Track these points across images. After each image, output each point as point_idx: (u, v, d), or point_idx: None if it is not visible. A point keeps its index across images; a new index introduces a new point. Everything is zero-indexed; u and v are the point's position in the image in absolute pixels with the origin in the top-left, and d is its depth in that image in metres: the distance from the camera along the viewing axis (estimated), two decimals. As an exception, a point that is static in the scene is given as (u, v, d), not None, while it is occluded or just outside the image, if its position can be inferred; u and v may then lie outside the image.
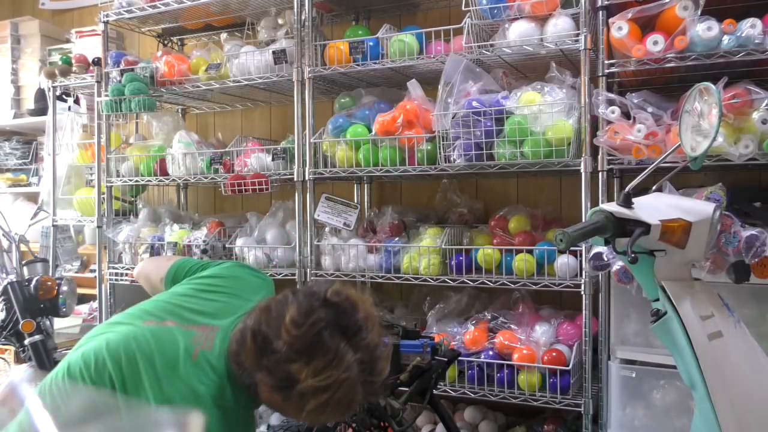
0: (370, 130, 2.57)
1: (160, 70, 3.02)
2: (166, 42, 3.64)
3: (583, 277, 2.24)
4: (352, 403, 1.21)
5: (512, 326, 2.43)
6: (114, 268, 3.18)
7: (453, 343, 2.39)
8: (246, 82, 2.84)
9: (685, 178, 2.19)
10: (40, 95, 3.76)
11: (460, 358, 2.22)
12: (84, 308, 3.73)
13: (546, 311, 2.57)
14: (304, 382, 1.16)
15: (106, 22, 3.17)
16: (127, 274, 3.11)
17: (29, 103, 3.95)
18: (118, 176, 3.20)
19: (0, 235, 2.81)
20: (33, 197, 4.02)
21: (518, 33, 2.31)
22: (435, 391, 1.72)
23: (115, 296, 3.21)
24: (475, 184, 3.05)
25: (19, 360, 2.64)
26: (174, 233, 3.01)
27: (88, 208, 3.38)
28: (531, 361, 2.29)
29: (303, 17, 2.69)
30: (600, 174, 2.21)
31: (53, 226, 3.48)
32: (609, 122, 2.14)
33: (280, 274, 2.75)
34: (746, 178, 2.55)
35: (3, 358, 2.72)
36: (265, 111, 3.58)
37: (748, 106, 1.94)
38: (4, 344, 2.69)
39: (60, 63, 3.42)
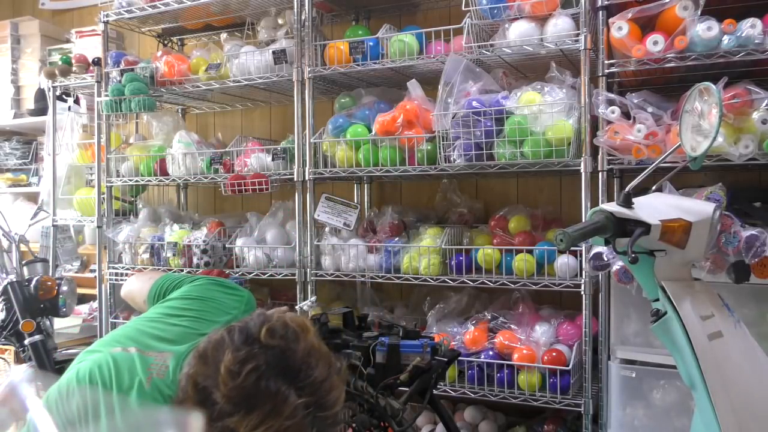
0: (370, 130, 2.57)
1: (160, 70, 3.02)
2: (166, 42, 3.64)
3: (583, 277, 2.24)
4: None
5: (512, 326, 2.43)
6: (114, 268, 3.18)
7: (453, 343, 2.39)
8: (246, 82, 2.84)
9: (685, 178, 2.19)
10: (40, 95, 3.76)
11: (460, 358, 2.22)
12: (84, 308, 3.73)
13: (546, 311, 2.57)
14: None
15: (106, 22, 3.17)
16: (127, 275, 3.11)
17: (29, 103, 3.95)
18: (118, 176, 3.20)
19: (0, 235, 2.81)
20: (33, 197, 4.02)
21: (518, 33, 2.31)
22: (435, 391, 1.72)
23: (115, 296, 3.21)
24: (475, 184, 3.05)
25: (19, 360, 2.64)
26: (174, 233, 3.01)
27: (88, 208, 3.38)
28: (531, 361, 2.29)
29: (303, 17, 2.69)
30: (600, 174, 2.21)
31: (53, 226, 3.48)
32: (609, 122, 2.14)
33: (280, 274, 2.75)
34: (746, 178, 2.55)
35: (3, 358, 2.72)
36: (265, 111, 3.58)
37: (748, 106, 1.94)
38: (4, 344, 2.69)
39: (60, 63, 3.42)
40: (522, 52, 2.35)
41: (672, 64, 2.06)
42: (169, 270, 2.89)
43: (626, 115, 2.13)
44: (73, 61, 3.36)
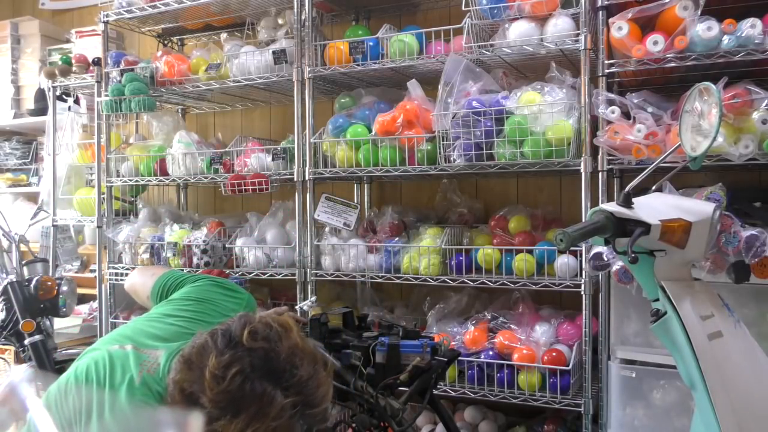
0: (370, 130, 2.57)
1: (160, 70, 3.02)
2: (166, 42, 3.64)
3: (583, 277, 2.24)
4: None
5: (512, 326, 2.43)
6: (114, 268, 3.18)
7: (453, 343, 2.39)
8: (246, 82, 2.84)
9: (685, 178, 2.19)
10: (40, 95, 3.76)
11: (460, 358, 2.22)
12: (84, 308, 3.73)
13: (546, 311, 2.57)
14: None
15: (106, 22, 3.17)
16: (127, 274, 3.10)
17: (29, 103, 3.95)
18: (118, 176, 3.20)
19: (0, 235, 2.81)
20: (33, 197, 4.02)
21: (518, 33, 2.31)
22: (435, 391, 1.72)
23: (115, 296, 3.22)
24: (475, 184, 3.05)
25: (19, 360, 2.64)
26: (174, 233, 3.01)
27: (88, 208, 3.38)
28: (531, 361, 2.29)
29: (303, 17, 2.69)
30: (600, 174, 2.21)
31: (53, 226, 3.48)
32: (609, 122, 2.14)
33: (280, 274, 2.75)
34: (746, 178, 2.55)
35: (3, 358, 2.71)
36: (265, 111, 3.58)
37: (748, 106, 1.94)
38: (4, 344, 2.69)
39: (60, 63, 3.42)
40: (522, 52, 2.35)
41: (672, 64, 2.06)
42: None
43: (626, 115, 2.13)
44: (73, 61, 3.36)
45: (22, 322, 2.54)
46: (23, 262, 2.76)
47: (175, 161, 3.03)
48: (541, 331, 2.37)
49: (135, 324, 1.41)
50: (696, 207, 1.52)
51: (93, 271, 3.58)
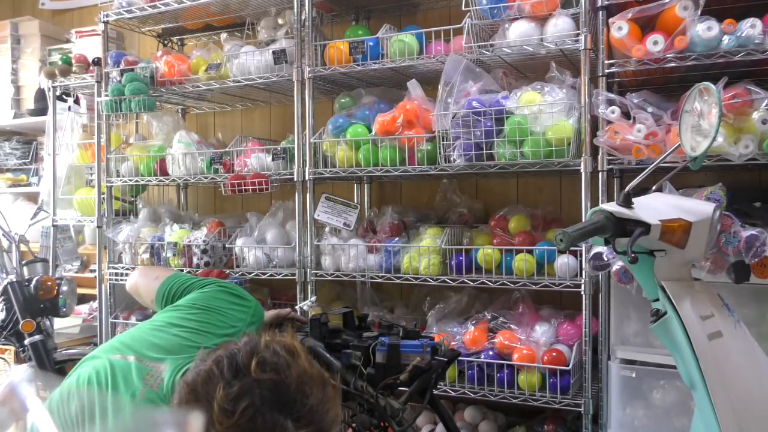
0: (370, 130, 2.57)
1: (160, 70, 3.02)
2: (166, 42, 3.64)
3: (583, 277, 2.24)
4: None
5: (512, 326, 2.43)
6: (114, 268, 3.18)
7: (453, 343, 2.39)
8: (246, 82, 2.84)
9: (685, 178, 2.18)
10: (40, 95, 3.76)
11: (460, 358, 2.22)
12: (84, 308, 3.73)
13: (546, 311, 2.57)
14: None
15: (106, 22, 3.17)
16: (127, 274, 3.11)
17: (29, 103, 3.95)
18: (118, 176, 3.20)
19: (0, 235, 2.81)
20: (33, 197, 4.02)
21: (518, 33, 2.31)
22: (435, 391, 1.72)
23: (115, 296, 3.21)
24: (475, 184, 3.05)
25: (19, 360, 2.64)
26: (174, 233, 3.01)
27: (88, 208, 3.38)
28: (531, 361, 2.29)
29: (303, 17, 2.69)
30: (600, 174, 2.21)
31: (53, 226, 3.48)
32: (609, 122, 2.14)
33: (280, 274, 2.75)
34: (746, 178, 2.55)
35: (3, 358, 2.72)
36: (265, 111, 3.58)
37: (748, 106, 1.94)
38: (4, 344, 2.69)
39: (60, 63, 3.42)
40: (522, 52, 2.35)
41: (672, 64, 2.06)
42: (169, 270, 2.88)
43: (626, 115, 2.13)
44: (73, 61, 3.36)
45: (22, 322, 2.55)
46: (23, 262, 2.76)
47: (175, 161, 3.03)
48: (541, 331, 2.37)
49: (138, 332, 1.39)
50: (696, 207, 1.52)
51: (93, 271, 3.58)
